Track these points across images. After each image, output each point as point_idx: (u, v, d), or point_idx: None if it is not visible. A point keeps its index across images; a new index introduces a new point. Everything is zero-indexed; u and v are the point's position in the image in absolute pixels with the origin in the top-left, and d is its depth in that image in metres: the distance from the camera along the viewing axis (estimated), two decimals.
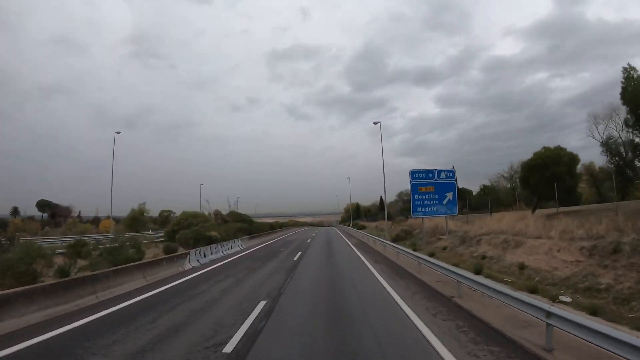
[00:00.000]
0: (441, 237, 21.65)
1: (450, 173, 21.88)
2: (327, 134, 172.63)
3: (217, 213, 31.44)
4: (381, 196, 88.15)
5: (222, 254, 17.77)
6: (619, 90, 17.94)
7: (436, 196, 21.35)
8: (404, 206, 60.26)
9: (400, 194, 76.15)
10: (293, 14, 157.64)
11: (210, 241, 18.42)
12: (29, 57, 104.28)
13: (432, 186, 21.39)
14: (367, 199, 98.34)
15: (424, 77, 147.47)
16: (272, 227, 44.26)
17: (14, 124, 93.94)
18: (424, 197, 21.19)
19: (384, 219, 60.84)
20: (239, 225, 25.72)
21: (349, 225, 68.82)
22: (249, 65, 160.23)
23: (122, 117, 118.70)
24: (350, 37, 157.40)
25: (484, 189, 29.82)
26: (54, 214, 59.10)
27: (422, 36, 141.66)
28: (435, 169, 21.70)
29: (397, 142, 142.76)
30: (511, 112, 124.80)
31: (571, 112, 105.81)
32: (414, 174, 21.27)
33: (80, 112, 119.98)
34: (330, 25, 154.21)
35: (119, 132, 38.02)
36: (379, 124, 31.34)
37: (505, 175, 37.62)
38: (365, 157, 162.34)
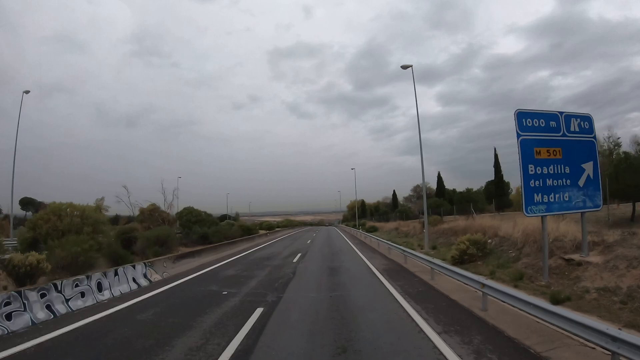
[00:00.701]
0: (568, 257, 10.02)
1: (587, 122, 10.31)
2: (328, 132, 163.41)
3: (153, 210, 20.04)
4: (394, 190, 76.57)
5: (32, 319, 6.17)
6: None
7: (567, 169, 9.76)
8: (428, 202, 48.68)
9: (415, 188, 64.88)
10: (296, 11, 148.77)
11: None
12: (29, 56, 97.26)
13: (558, 147, 9.80)
14: (370, 199, 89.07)
15: (426, 75, 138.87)
16: (249, 231, 30.89)
17: (12, 122, 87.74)
18: (545, 169, 9.58)
19: (400, 218, 49.09)
20: (163, 231, 14.37)
21: (354, 226, 56.79)
22: (251, 63, 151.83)
23: (123, 115, 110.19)
24: (353, 35, 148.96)
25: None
26: (37, 212, 54.66)
27: (424, 34, 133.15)
28: (561, 112, 10.14)
29: (399, 140, 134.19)
30: (513, 110, 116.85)
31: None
32: (522, 119, 9.58)
33: (81, 111, 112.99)
34: (332, 23, 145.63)
35: (27, 92, 26.96)
36: (410, 68, 19.90)
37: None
38: (366, 156, 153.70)
